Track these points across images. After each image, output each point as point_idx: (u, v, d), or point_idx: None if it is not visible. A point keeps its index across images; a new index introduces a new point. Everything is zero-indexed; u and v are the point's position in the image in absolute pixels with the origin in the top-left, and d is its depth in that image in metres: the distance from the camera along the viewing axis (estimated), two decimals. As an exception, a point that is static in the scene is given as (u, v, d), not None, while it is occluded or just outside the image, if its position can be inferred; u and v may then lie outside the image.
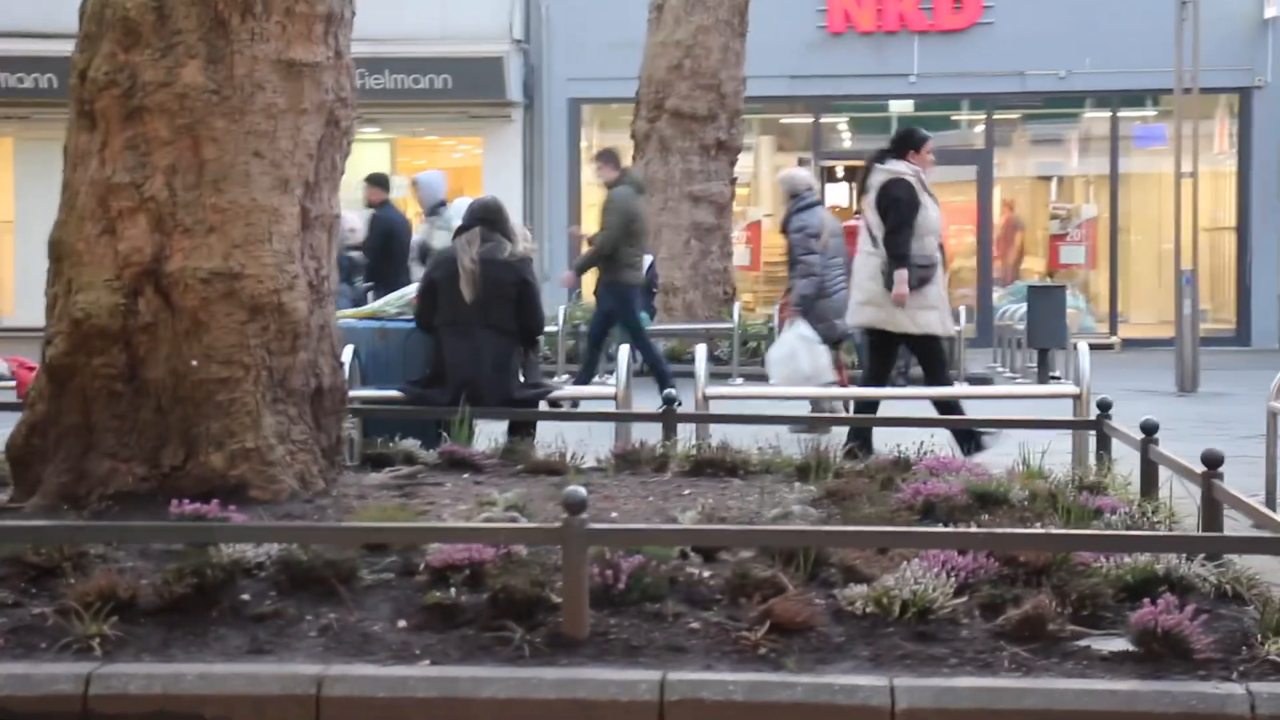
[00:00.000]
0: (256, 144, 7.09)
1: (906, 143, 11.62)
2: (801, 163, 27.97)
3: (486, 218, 9.88)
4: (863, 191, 11.62)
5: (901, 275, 11.09)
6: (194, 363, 6.95)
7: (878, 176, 11.39)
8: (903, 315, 11.21)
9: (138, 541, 6.18)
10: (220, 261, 6.99)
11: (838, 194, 30.73)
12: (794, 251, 14.01)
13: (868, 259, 11.41)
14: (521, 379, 9.85)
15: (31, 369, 9.93)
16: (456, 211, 16.69)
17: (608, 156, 16.67)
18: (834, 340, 14.11)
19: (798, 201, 14.10)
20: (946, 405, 11.00)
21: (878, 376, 11.48)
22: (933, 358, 11.48)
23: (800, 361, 13.07)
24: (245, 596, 5.73)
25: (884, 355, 11.59)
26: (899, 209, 11.19)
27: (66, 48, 7.69)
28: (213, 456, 6.92)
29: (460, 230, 9.96)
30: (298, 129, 7.22)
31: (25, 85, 26.70)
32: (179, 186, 7.00)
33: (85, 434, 6.96)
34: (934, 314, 11.33)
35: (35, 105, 26.75)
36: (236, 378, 6.99)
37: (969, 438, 10.51)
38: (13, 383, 10.29)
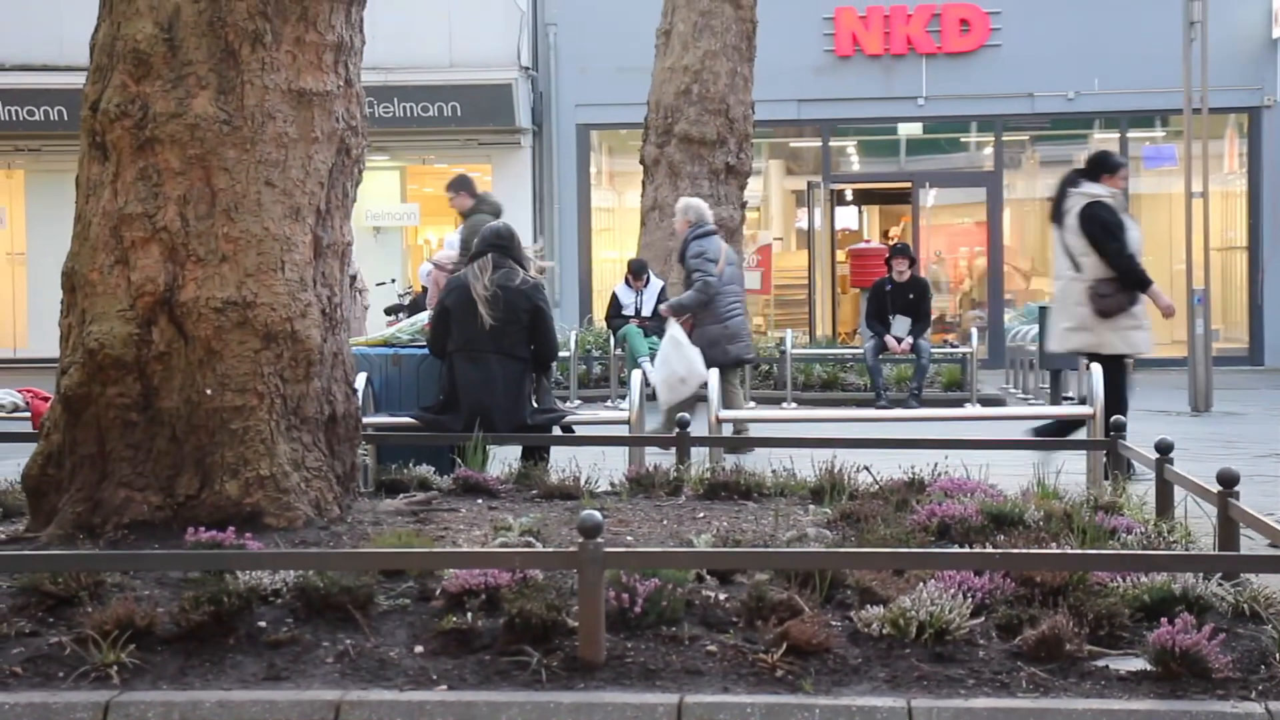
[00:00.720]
0: (268, 173, 7.11)
1: (1102, 166, 11.57)
2: (811, 187, 28.05)
3: (498, 244, 9.90)
4: (1055, 216, 11.50)
5: (1156, 290, 11.14)
6: (208, 391, 6.97)
7: (1075, 200, 11.31)
8: (1113, 336, 11.18)
9: (154, 570, 6.20)
10: (233, 290, 7.01)
11: (847, 217, 30.82)
12: (692, 274, 14.15)
13: (1070, 284, 11.32)
14: (534, 404, 9.86)
15: (46, 400, 9.96)
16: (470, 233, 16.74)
17: (461, 184, 16.50)
18: (727, 364, 14.15)
19: (695, 229, 14.29)
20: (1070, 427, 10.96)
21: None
22: (1119, 377, 11.38)
23: (673, 365, 13.08)
24: (262, 623, 5.73)
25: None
26: (1108, 229, 11.14)
27: (77, 80, 7.72)
28: (228, 485, 6.93)
29: (473, 257, 9.98)
30: (309, 157, 7.25)
31: (36, 118, 26.81)
32: (191, 216, 7.02)
33: (100, 463, 6.98)
34: (1143, 333, 11.33)
35: (46, 138, 26.86)
36: (250, 406, 7.01)
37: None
38: (28, 413, 10.33)
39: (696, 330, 13.95)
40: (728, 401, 13.96)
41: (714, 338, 13.95)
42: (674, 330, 13.42)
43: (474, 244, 10.23)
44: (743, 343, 14.49)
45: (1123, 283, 11.14)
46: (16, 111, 26.84)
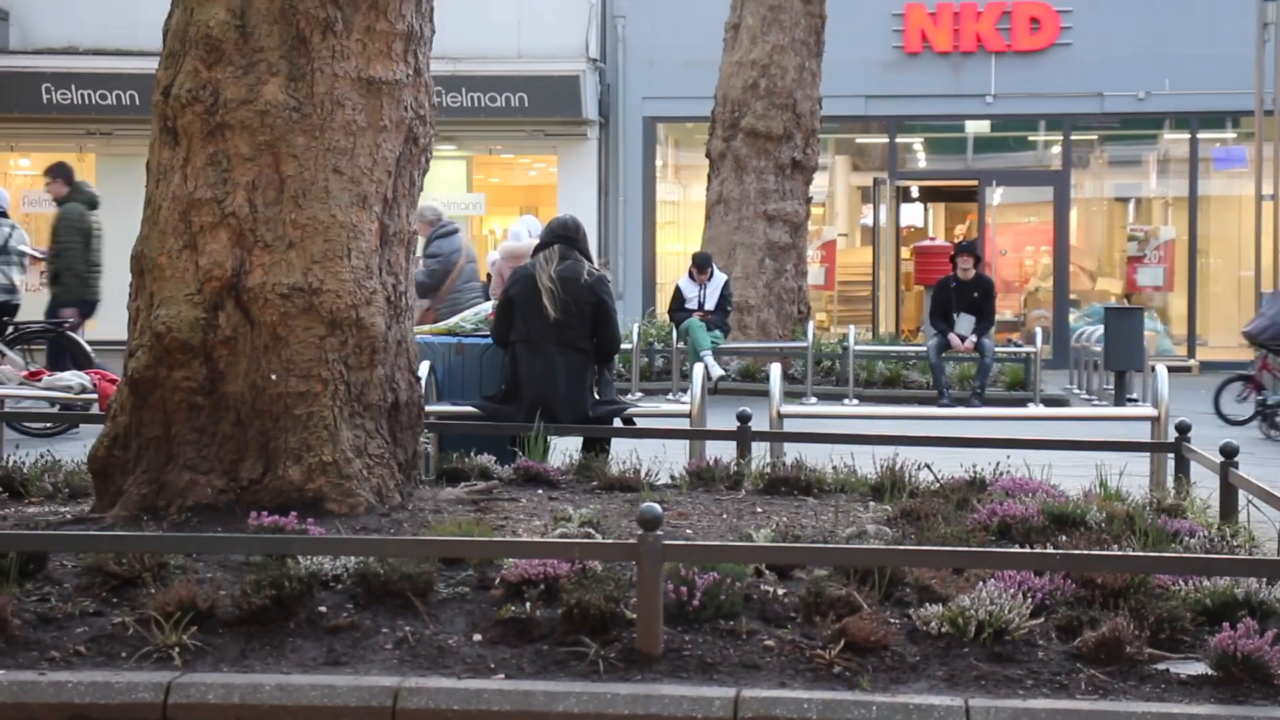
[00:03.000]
0: (336, 161, 7.15)
1: None
2: (877, 183, 27.95)
3: (565, 236, 9.89)
4: None
5: None
6: (273, 376, 7.01)
7: None
8: None
9: (217, 553, 6.25)
10: (300, 277, 7.06)
11: (913, 214, 30.70)
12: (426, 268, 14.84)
13: None
14: (596, 396, 9.87)
15: (113, 382, 10.06)
16: (523, 229, 16.86)
17: (58, 171, 16.55)
18: None
19: (437, 229, 14.81)
20: None
21: None
22: None
23: None
24: (322, 608, 5.78)
25: None
26: None
27: (149, 65, 7.78)
28: (290, 470, 6.97)
29: (539, 248, 9.99)
30: (377, 146, 7.28)
31: (108, 102, 27.01)
32: (260, 202, 7.07)
33: (165, 446, 7.04)
34: None
35: (118, 122, 27.06)
36: (315, 392, 7.05)
37: None
38: (95, 395, 10.43)
39: (441, 322, 14.66)
40: None
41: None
42: None
43: (543, 234, 10.23)
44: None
45: None
46: (89, 95, 27.06)
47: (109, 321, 25.10)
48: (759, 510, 7.64)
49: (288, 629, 5.66)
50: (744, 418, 9.16)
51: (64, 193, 16.20)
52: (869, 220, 29.00)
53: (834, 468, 8.50)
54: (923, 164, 29.73)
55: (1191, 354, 26.55)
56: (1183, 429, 8.69)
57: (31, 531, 6.70)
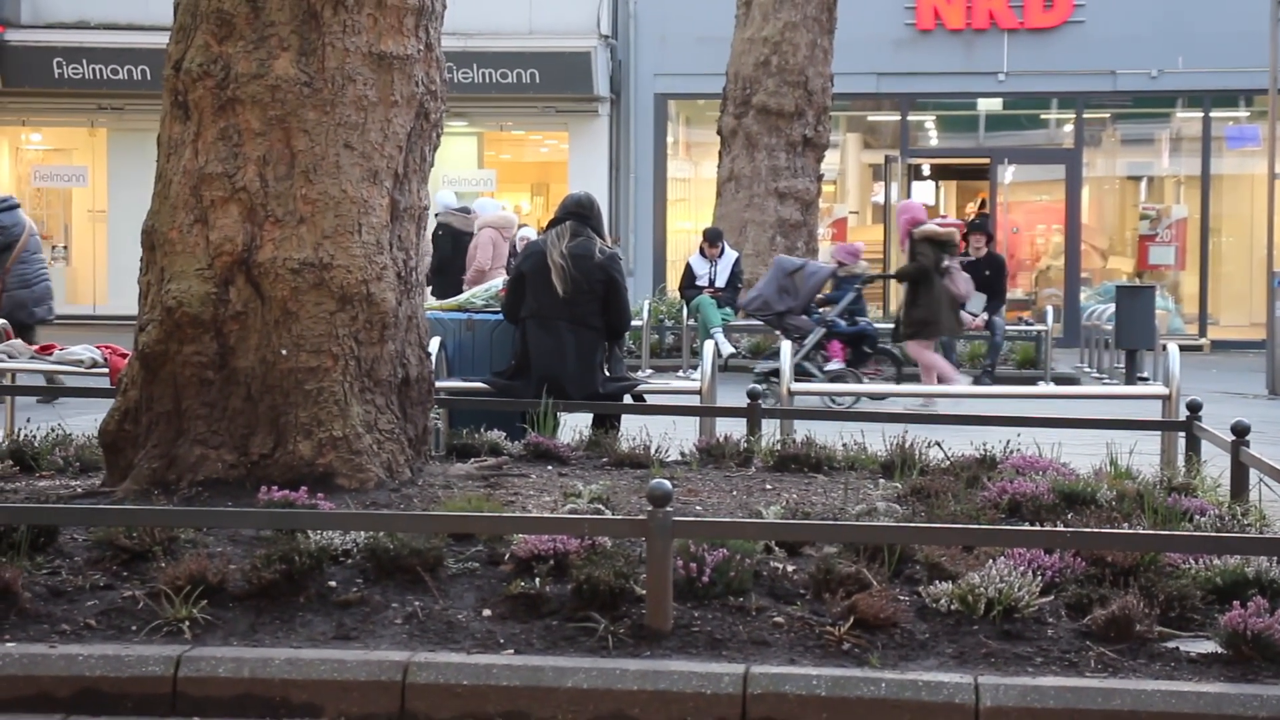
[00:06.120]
0: (347, 136, 7.14)
1: None
2: (888, 161, 27.88)
3: (578, 213, 9.85)
4: None
5: None
6: (283, 352, 7.01)
7: None
8: None
9: (227, 527, 6.26)
10: (310, 252, 7.05)
11: (924, 193, 30.61)
12: None
13: None
14: (606, 373, 9.86)
15: (124, 356, 10.06)
16: (480, 207, 16.69)
17: None
18: (32, 324, 15.59)
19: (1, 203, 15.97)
20: None
21: None
22: None
23: None
24: (332, 583, 5.78)
25: None
26: None
27: (160, 40, 7.78)
28: (301, 445, 6.97)
29: (551, 224, 9.96)
30: (388, 121, 7.27)
31: (120, 77, 27.02)
32: (270, 177, 7.06)
33: (176, 420, 7.04)
34: None
35: (129, 97, 27.07)
36: (325, 367, 7.05)
37: None
38: (106, 369, 10.44)
39: (6, 294, 15.54)
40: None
41: (21, 300, 15.67)
42: None
43: (557, 210, 10.20)
44: (45, 305, 16.11)
45: None
46: (101, 70, 27.07)
47: (121, 296, 25.19)
48: (769, 487, 7.64)
49: (297, 603, 5.67)
50: (754, 395, 9.16)
51: None
52: (880, 198, 28.96)
53: (844, 445, 8.49)
54: (934, 142, 29.67)
55: (1203, 333, 26.51)
56: (1194, 408, 8.67)
57: (42, 505, 6.70)
